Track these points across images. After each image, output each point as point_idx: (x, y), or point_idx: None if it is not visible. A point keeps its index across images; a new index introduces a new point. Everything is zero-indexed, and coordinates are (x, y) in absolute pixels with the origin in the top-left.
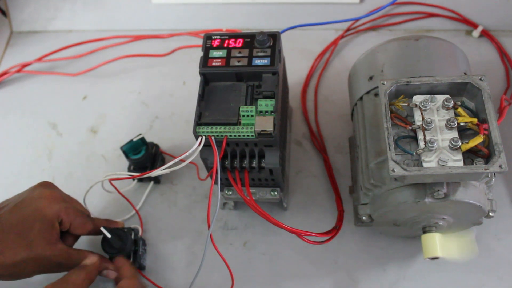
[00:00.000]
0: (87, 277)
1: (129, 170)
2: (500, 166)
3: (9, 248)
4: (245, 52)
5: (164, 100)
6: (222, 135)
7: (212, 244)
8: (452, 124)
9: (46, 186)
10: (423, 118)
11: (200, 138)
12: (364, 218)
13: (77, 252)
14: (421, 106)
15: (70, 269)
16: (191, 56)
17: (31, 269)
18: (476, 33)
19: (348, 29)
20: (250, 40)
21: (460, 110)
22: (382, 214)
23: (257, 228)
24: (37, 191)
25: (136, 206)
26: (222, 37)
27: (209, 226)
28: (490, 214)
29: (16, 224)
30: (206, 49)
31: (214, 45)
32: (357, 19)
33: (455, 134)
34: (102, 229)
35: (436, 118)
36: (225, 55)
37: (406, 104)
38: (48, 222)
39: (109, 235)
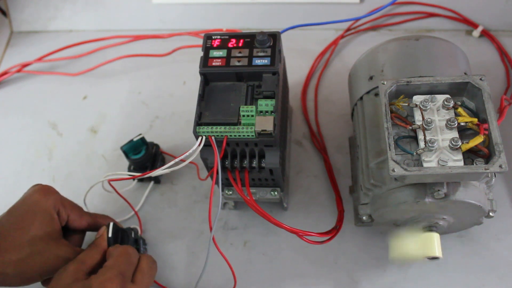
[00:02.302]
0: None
1: (129, 170)
2: (500, 166)
3: (13, 245)
4: (245, 52)
5: (164, 100)
6: (222, 135)
7: (215, 246)
8: (452, 124)
9: (39, 185)
10: (423, 118)
11: (200, 138)
12: (364, 218)
13: (83, 250)
14: (421, 106)
15: None
16: (191, 56)
17: (38, 267)
18: (476, 33)
19: (348, 29)
20: (250, 40)
21: (460, 110)
22: (382, 214)
23: (257, 228)
24: (31, 190)
25: (136, 206)
26: (222, 37)
27: (211, 229)
28: (490, 214)
29: (16, 221)
30: (206, 49)
31: (214, 45)
32: (357, 19)
33: (455, 134)
34: (111, 224)
35: (436, 118)
36: (225, 55)
37: (406, 104)
38: (47, 214)
39: (110, 234)
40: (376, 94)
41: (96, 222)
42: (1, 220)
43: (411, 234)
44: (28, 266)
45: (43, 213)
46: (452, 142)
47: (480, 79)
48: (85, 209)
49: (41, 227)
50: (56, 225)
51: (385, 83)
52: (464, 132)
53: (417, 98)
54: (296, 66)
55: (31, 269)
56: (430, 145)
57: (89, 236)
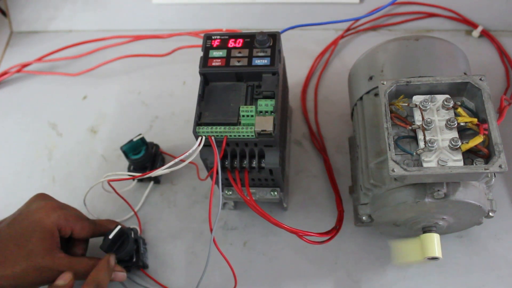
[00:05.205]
0: None
1: (129, 170)
2: (500, 166)
3: (9, 259)
4: (245, 52)
5: (164, 100)
6: (222, 135)
7: (216, 247)
8: (452, 124)
9: (43, 198)
10: (423, 118)
11: (200, 138)
12: (364, 218)
13: (79, 260)
14: (421, 106)
15: (75, 278)
16: (191, 56)
17: (33, 280)
18: (476, 33)
19: (348, 29)
20: (250, 40)
21: (460, 110)
22: (382, 214)
23: (257, 228)
24: (34, 204)
25: (136, 206)
26: (222, 37)
27: (211, 229)
28: (490, 214)
29: (15, 236)
30: (206, 49)
31: (214, 45)
32: (357, 19)
33: (455, 134)
34: (117, 228)
35: (436, 118)
36: (225, 55)
37: (406, 104)
38: (47, 231)
39: (110, 236)
40: (376, 94)
41: (99, 229)
42: (1, 231)
43: (410, 238)
44: (23, 280)
45: (43, 231)
46: (452, 142)
47: (480, 79)
48: (85, 210)
49: (38, 243)
50: (54, 241)
51: (385, 83)
52: (464, 132)
53: (417, 98)
54: (296, 66)
55: (26, 282)
56: (430, 145)
57: (93, 241)
